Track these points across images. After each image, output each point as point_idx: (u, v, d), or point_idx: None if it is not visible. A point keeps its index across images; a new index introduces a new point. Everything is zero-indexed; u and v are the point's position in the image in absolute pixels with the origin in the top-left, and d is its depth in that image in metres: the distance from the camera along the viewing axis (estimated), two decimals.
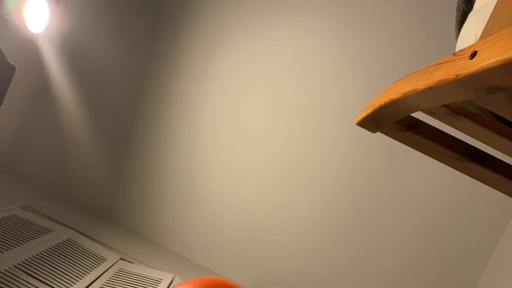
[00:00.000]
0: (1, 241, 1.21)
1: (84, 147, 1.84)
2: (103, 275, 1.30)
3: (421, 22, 1.63)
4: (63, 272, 1.20)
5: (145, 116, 1.81)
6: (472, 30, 0.53)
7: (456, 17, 0.59)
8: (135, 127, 1.82)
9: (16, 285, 1.04)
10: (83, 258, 1.33)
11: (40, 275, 1.13)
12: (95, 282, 1.23)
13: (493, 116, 0.52)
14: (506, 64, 0.29)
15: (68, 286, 1.15)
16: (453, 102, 0.49)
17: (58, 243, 1.36)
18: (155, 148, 1.80)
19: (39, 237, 1.34)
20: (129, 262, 1.47)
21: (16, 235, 1.28)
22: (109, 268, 1.35)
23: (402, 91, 0.47)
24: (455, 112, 0.51)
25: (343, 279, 1.69)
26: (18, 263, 1.13)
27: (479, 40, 0.45)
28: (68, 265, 1.25)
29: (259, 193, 1.74)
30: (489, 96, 0.37)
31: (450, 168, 0.69)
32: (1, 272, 1.06)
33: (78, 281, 1.19)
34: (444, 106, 0.50)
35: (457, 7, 0.59)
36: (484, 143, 0.57)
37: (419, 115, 0.57)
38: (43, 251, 1.26)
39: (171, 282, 1.42)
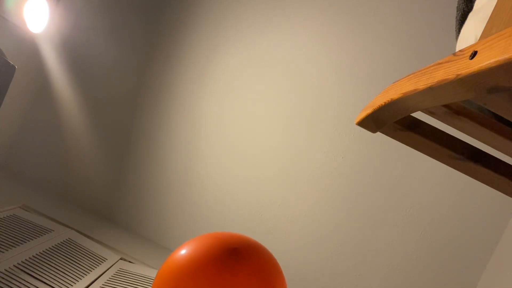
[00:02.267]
0: (1, 241, 1.21)
1: (84, 147, 1.84)
2: (103, 275, 1.30)
3: (421, 22, 1.63)
4: (63, 272, 1.20)
5: (145, 116, 1.81)
6: (472, 30, 0.53)
7: (456, 17, 0.59)
8: (135, 127, 1.82)
9: (16, 285, 1.04)
10: (83, 258, 1.33)
11: (40, 275, 1.13)
12: (95, 282, 1.23)
13: (493, 116, 0.52)
14: (506, 64, 0.29)
15: (68, 286, 1.15)
16: (453, 102, 0.49)
17: (58, 243, 1.36)
18: (155, 148, 1.80)
19: (39, 237, 1.34)
20: (129, 262, 1.47)
21: (16, 235, 1.28)
22: (109, 268, 1.35)
23: (402, 91, 0.47)
24: (455, 112, 0.51)
25: (342, 278, 1.69)
26: (18, 263, 1.13)
27: (479, 40, 0.45)
28: (68, 265, 1.25)
29: (259, 193, 1.74)
30: (489, 96, 0.37)
31: (450, 168, 0.69)
32: (1, 272, 1.06)
33: (78, 281, 1.19)
34: (444, 106, 0.50)
35: (457, 7, 0.59)
36: (484, 143, 0.57)
37: (419, 115, 0.57)
38: (43, 251, 1.26)
39: None
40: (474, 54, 0.34)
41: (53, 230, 1.43)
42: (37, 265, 1.17)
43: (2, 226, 1.30)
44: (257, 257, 0.91)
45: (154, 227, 1.80)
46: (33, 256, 1.20)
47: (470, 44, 0.41)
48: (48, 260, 1.22)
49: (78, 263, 1.29)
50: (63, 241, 1.39)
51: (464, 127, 0.54)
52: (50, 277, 1.14)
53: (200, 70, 1.77)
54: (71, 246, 1.38)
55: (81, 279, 1.21)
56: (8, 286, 1.03)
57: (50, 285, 1.11)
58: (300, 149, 1.71)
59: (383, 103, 0.52)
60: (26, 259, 1.17)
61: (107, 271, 1.33)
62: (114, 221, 1.82)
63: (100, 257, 1.40)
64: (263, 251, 0.96)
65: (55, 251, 1.30)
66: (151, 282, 1.37)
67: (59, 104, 1.84)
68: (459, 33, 0.58)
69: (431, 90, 0.41)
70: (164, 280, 0.86)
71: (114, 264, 1.40)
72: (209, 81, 1.77)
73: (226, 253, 0.87)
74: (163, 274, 0.87)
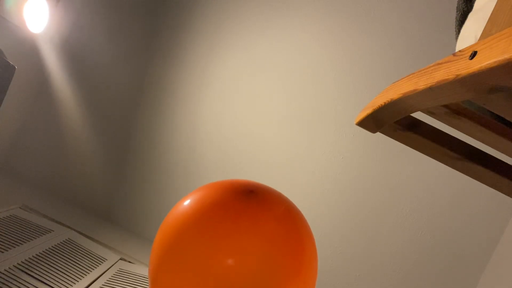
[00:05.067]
0: (1, 241, 1.21)
1: (84, 147, 1.84)
2: (103, 275, 1.30)
3: (421, 22, 1.63)
4: (63, 272, 1.20)
5: (145, 116, 1.81)
6: (472, 30, 0.53)
7: (456, 17, 0.59)
8: (135, 127, 1.82)
9: (16, 285, 1.04)
10: (83, 258, 1.33)
11: (40, 275, 1.13)
12: (95, 282, 1.23)
13: (493, 116, 0.52)
14: (506, 64, 0.29)
15: (68, 286, 1.15)
16: (453, 102, 0.49)
17: (58, 243, 1.36)
18: (155, 149, 1.80)
19: (39, 237, 1.34)
20: (129, 262, 1.47)
21: (16, 235, 1.28)
22: (109, 268, 1.35)
23: (402, 91, 0.47)
24: (455, 112, 0.51)
25: (342, 279, 1.69)
26: (18, 263, 1.13)
27: (479, 40, 0.45)
28: (68, 265, 1.25)
29: None
30: (489, 96, 0.37)
31: (450, 168, 0.69)
32: (1, 272, 1.06)
33: (78, 281, 1.19)
34: (444, 106, 0.50)
35: (457, 7, 0.59)
36: (484, 143, 0.57)
37: (419, 115, 0.57)
38: (43, 251, 1.26)
39: None
40: (474, 54, 0.34)
41: (53, 230, 1.43)
42: (37, 265, 1.17)
43: (2, 226, 1.30)
44: (278, 202, 0.73)
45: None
46: (33, 256, 1.20)
47: (470, 44, 0.41)
48: (48, 260, 1.22)
49: (78, 263, 1.29)
50: (63, 241, 1.39)
51: (464, 127, 0.54)
52: (50, 277, 1.14)
53: (200, 70, 1.77)
54: (71, 246, 1.38)
55: (81, 279, 1.21)
56: (8, 286, 1.03)
57: (50, 285, 1.11)
58: (299, 149, 1.71)
59: (383, 103, 0.52)
60: (26, 259, 1.17)
61: (107, 271, 1.33)
62: (114, 221, 1.82)
63: (100, 257, 1.40)
64: (283, 197, 0.78)
65: (55, 251, 1.30)
66: None
67: (59, 104, 1.84)
68: (459, 33, 0.58)
69: (431, 90, 0.41)
70: (165, 232, 0.70)
71: (114, 264, 1.40)
72: (209, 82, 1.77)
73: (239, 195, 0.68)
74: (164, 226, 0.72)
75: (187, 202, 0.73)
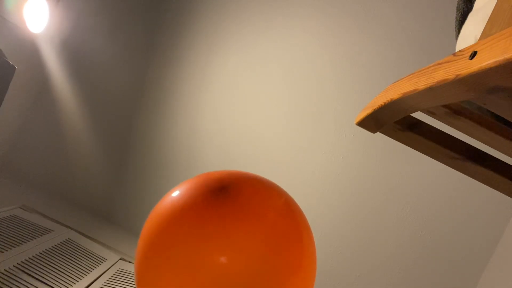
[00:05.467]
0: (1, 241, 1.21)
1: (84, 147, 1.84)
2: (103, 275, 1.30)
3: (421, 22, 1.63)
4: (63, 272, 1.20)
5: (145, 115, 1.81)
6: (472, 30, 0.53)
7: (456, 17, 0.59)
8: (135, 127, 1.82)
9: (16, 285, 1.04)
10: (83, 258, 1.33)
11: (40, 275, 1.13)
12: (95, 282, 1.23)
13: (493, 116, 0.52)
14: (506, 64, 0.29)
15: (68, 286, 1.14)
16: (453, 102, 0.49)
17: (58, 243, 1.35)
18: (155, 148, 1.80)
19: (39, 237, 1.34)
20: (129, 262, 1.47)
21: (16, 235, 1.28)
22: (109, 268, 1.35)
23: (402, 91, 0.47)
24: (455, 112, 0.51)
25: (342, 279, 1.69)
26: (18, 263, 1.13)
27: (479, 40, 0.45)
28: (68, 265, 1.25)
29: None
30: (489, 96, 0.37)
31: (450, 168, 0.69)
32: (1, 272, 1.06)
33: (78, 281, 1.19)
34: (444, 106, 0.50)
35: (457, 7, 0.59)
36: (484, 143, 0.57)
37: (419, 115, 0.57)
38: (43, 251, 1.26)
39: None
40: (474, 54, 0.34)
41: (53, 230, 1.43)
42: (37, 265, 1.17)
43: (2, 226, 1.30)
44: (257, 196, 0.66)
45: None
46: (33, 256, 1.20)
47: (470, 44, 0.41)
48: (48, 260, 1.22)
49: (78, 263, 1.29)
50: (63, 241, 1.39)
51: (464, 127, 0.54)
52: (50, 277, 1.14)
53: (200, 70, 1.77)
54: (71, 246, 1.38)
55: (81, 279, 1.21)
56: (8, 286, 1.03)
57: (50, 285, 1.11)
58: (299, 149, 1.71)
59: (383, 103, 0.52)
60: (26, 259, 1.17)
61: (107, 271, 1.33)
62: (114, 221, 1.82)
63: (100, 257, 1.40)
64: (270, 188, 0.69)
65: (55, 251, 1.30)
66: None
67: (59, 104, 1.84)
68: (459, 33, 0.58)
69: (430, 90, 0.41)
70: (144, 235, 0.68)
71: (114, 264, 1.40)
72: (209, 82, 1.77)
73: (210, 193, 0.63)
74: (145, 227, 0.71)
75: (165, 202, 0.71)
